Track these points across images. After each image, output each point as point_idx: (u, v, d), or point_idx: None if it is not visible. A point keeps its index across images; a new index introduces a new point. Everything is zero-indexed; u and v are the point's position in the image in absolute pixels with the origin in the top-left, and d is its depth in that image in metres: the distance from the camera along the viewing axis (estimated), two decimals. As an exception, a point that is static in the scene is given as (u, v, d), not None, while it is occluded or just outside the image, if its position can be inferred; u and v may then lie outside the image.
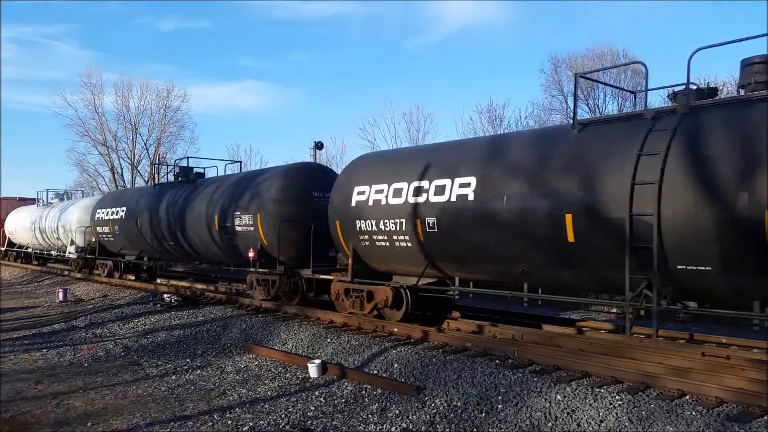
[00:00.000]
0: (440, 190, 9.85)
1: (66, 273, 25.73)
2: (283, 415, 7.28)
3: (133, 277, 21.26)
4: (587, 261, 8.19)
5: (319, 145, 26.03)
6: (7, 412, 7.63)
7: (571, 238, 8.06)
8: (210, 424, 7.08)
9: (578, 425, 6.40)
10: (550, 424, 6.52)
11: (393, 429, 6.78)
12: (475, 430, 6.66)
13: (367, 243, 11.35)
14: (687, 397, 6.64)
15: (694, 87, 8.13)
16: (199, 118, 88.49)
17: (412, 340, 10.13)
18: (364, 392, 8.02)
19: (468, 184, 9.46)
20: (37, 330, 13.51)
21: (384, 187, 10.91)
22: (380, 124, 67.57)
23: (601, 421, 6.36)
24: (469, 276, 10.60)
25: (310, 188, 13.81)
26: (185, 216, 16.65)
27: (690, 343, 9.67)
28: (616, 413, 6.41)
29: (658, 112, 7.96)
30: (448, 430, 6.70)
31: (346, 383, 8.45)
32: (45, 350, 11.45)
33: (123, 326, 13.54)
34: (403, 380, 8.26)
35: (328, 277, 12.76)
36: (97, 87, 49.31)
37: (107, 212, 21.38)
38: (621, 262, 7.55)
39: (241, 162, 19.14)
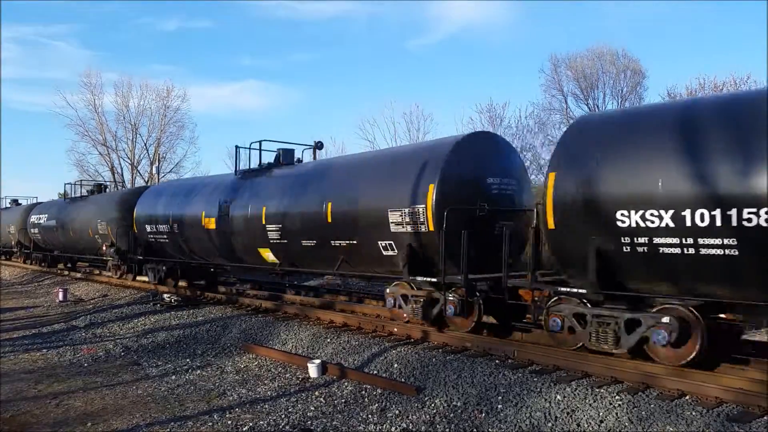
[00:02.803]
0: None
1: (66, 273, 25.69)
2: (283, 415, 7.28)
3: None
4: None
5: (319, 145, 26.06)
6: (7, 412, 7.63)
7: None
8: (210, 424, 7.08)
9: (578, 425, 6.40)
10: (550, 424, 6.52)
11: (393, 429, 6.78)
12: (475, 430, 6.66)
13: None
14: (687, 397, 6.64)
15: None
16: (199, 118, 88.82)
17: (412, 340, 10.12)
18: (364, 392, 8.02)
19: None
20: (37, 330, 13.51)
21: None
22: (380, 124, 67.67)
23: (601, 422, 6.36)
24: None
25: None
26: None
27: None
28: (616, 413, 6.41)
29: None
30: (448, 430, 6.70)
31: (346, 383, 8.45)
32: (45, 350, 11.45)
33: (123, 326, 13.54)
34: (403, 380, 8.26)
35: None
36: (97, 87, 49.51)
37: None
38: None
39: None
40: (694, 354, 7.12)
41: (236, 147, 15.38)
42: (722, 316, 7.63)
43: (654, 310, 7.39)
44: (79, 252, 24.56)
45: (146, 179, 46.82)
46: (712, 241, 6.55)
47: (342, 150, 41.41)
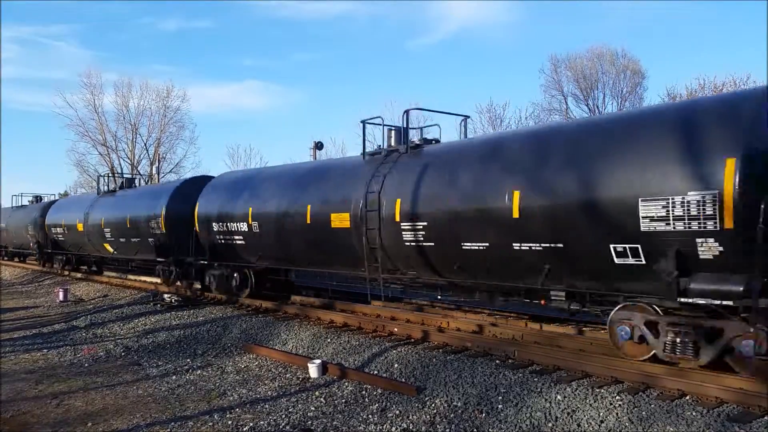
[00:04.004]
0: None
1: (67, 273, 25.55)
2: (283, 415, 7.28)
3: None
4: None
5: (319, 145, 26.04)
6: (8, 412, 7.64)
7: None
8: (210, 424, 7.08)
9: (578, 425, 6.41)
10: (550, 425, 6.52)
11: (393, 429, 6.78)
12: (475, 430, 6.66)
13: None
14: (687, 398, 6.64)
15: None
16: (200, 118, 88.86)
17: (412, 340, 10.13)
18: (364, 392, 8.03)
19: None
20: (37, 330, 13.52)
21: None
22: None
23: (602, 422, 6.36)
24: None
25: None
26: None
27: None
28: (617, 413, 6.41)
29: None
30: (448, 430, 6.70)
31: (346, 383, 8.45)
32: (45, 350, 11.45)
33: (123, 326, 13.55)
34: (403, 380, 8.26)
35: None
36: (97, 87, 49.48)
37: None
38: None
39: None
40: None
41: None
42: None
43: None
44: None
45: (146, 179, 46.81)
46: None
47: (342, 150, 41.30)
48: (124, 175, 24.93)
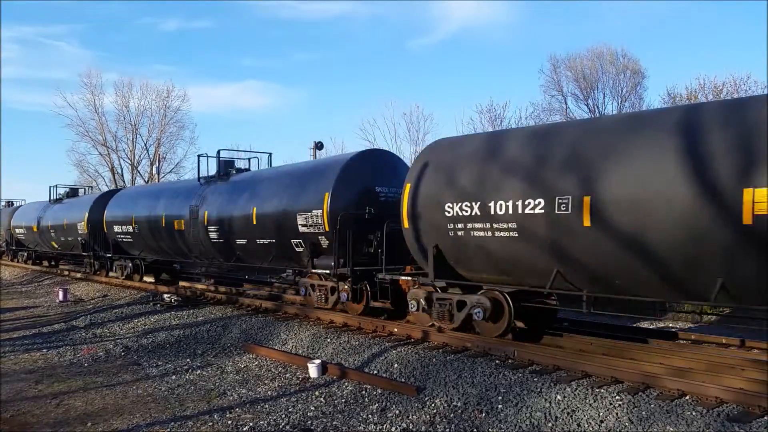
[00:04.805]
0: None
1: (66, 273, 25.63)
2: (283, 415, 7.28)
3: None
4: None
5: (319, 145, 26.07)
6: (7, 411, 7.63)
7: None
8: (210, 424, 7.08)
9: (578, 425, 6.40)
10: (550, 425, 6.52)
11: (393, 429, 6.78)
12: (475, 430, 6.66)
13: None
14: (687, 398, 6.63)
15: None
16: (200, 118, 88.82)
17: (412, 340, 10.13)
18: (364, 392, 8.02)
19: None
20: (37, 330, 13.51)
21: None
22: (380, 124, 67.64)
23: (602, 422, 6.36)
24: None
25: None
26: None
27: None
28: (617, 413, 6.41)
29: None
30: (448, 430, 6.70)
31: (346, 383, 8.45)
32: (45, 350, 11.45)
33: (123, 326, 13.55)
34: (403, 380, 8.26)
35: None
36: (97, 87, 49.50)
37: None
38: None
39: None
40: None
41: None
42: None
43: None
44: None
45: (146, 179, 46.82)
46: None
47: (342, 150, 41.43)
48: (69, 187, 29.46)
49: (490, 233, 8.78)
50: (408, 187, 10.05)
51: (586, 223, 7.59)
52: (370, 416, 7.19)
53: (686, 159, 6.87)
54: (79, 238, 22.63)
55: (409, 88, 70.12)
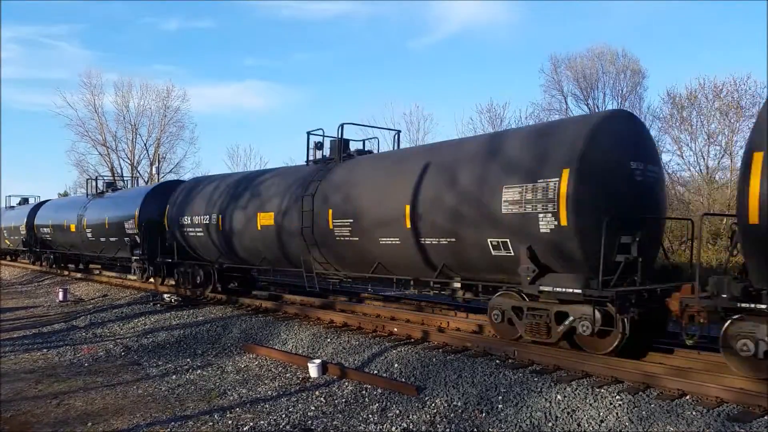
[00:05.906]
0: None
1: (66, 273, 25.61)
2: (283, 415, 7.28)
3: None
4: None
5: (319, 145, 26.05)
6: (8, 411, 7.63)
7: None
8: (210, 424, 7.08)
9: (578, 425, 6.41)
10: (550, 424, 6.52)
11: (393, 429, 6.78)
12: (475, 430, 6.66)
13: None
14: (687, 397, 6.64)
15: None
16: (201, 118, 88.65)
17: (412, 339, 10.13)
18: (364, 392, 8.03)
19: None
20: (37, 330, 13.51)
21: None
22: (380, 124, 67.48)
23: (602, 421, 6.36)
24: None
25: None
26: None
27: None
28: (617, 413, 6.41)
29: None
30: (448, 430, 6.70)
31: (346, 383, 8.45)
32: (45, 350, 11.45)
33: (123, 326, 13.55)
34: (403, 380, 8.26)
35: None
36: (97, 87, 49.42)
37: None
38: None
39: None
40: None
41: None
42: None
43: None
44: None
45: (146, 179, 46.80)
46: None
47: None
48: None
49: None
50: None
51: None
52: (370, 416, 7.19)
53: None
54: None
55: (409, 88, 70.19)
